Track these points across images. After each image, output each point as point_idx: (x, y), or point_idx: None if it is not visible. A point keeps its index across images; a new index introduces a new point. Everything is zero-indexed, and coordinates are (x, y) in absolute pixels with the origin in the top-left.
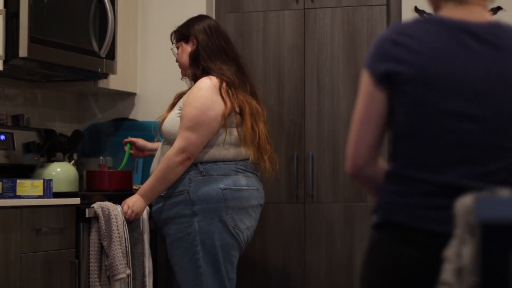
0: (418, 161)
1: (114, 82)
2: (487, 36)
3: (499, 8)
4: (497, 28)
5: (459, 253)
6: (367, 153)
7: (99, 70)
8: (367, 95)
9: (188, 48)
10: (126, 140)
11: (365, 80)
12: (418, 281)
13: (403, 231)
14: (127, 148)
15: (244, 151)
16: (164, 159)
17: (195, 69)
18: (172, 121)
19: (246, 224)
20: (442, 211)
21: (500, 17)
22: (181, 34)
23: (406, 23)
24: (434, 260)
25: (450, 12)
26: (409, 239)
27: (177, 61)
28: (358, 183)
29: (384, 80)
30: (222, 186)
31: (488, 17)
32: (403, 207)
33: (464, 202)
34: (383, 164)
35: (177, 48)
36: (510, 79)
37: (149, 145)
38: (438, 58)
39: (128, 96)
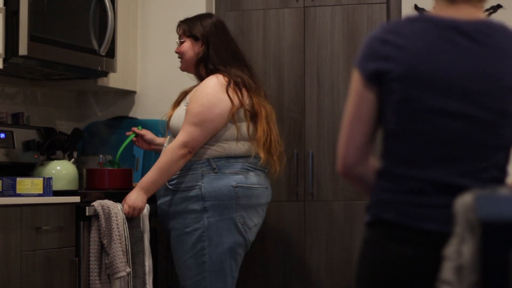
0: (408, 158)
1: (114, 80)
2: (476, 34)
3: (499, 6)
4: (487, 26)
5: (459, 251)
6: (357, 153)
7: (99, 68)
8: (357, 95)
9: (197, 47)
10: (136, 130)
11: (355, 80)
12: (408, 278)
13: (393, 229)
14: (130, 135)
15: (253, 147)
16: (167, 152)
17: (200, 70)
18: (179, 117)
19: (254, 222)
20: (432, 209)
21: (500, 15)
22: (191, 32)
23: (395, 22)
24: (425, 258)
25: (441, 11)
26: (399, 237)
27: (177, 52)
28: (348, 182)
29: (373, 79)
30: (233, 183)
31: (480, 16)
32: (393, 205)
33: (464, 200)
34: (374, 163)
35: (182, 42)
36: (498, 77)
37: (157, 139)
38: (426, 56)
39: (128, 94)
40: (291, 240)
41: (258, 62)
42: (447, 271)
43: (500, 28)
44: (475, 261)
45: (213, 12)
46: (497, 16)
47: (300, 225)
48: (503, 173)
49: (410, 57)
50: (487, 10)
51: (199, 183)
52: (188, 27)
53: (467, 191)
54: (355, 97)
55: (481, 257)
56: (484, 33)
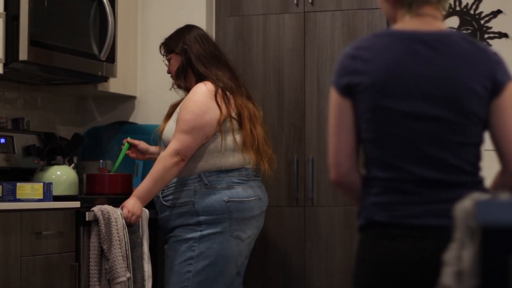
0: (387, 162)
1: (114, 85)
2: (436, 43)
3: (499, 12)
4: (445, 36)
5: (459, 256)
6: (348, 161)
7: (99, 73)
8: (336, 108)
9: (180, 59)
10: (129, 141)
11: (332, 96)
12: (402, 271)
13: (384, 228)
14: (124, 148)
15: (243, 157)
16: (160, 160)
17: (189, 82)
18: (171, 130)
19: (248, 233)
20: (416, 206)
21: (500, 20)
22: (173, 46)
23: (363, 38)
24: (416, 249)
25: (405, 24)
26: (391, 235)
27: (169, 72)
28: (342, 191)
29: (347, 92)
30: (225, 198)
31: (440, 26)
32: (381, 206)
33: (464, 206)
34: (362, 172)
35: (169, 60)
36: (457, 80)
37: (152, 148)
38: (391, 66)
39: (128, 99)
40: (291, 245)
41: (258, 67)
42: (447, 276)
43: (458, 37)
44: (475, 266)
45: (213, 17)
46: (497, 21)
47: (300, 230)
48: (476, 168)
49: (377, 68)
50: (487, 15)
51: (192, 199)
52: (167, 45)
53: (446, 185)
54: (335, 111)
55: (481, 262)
56: (444, 42)
